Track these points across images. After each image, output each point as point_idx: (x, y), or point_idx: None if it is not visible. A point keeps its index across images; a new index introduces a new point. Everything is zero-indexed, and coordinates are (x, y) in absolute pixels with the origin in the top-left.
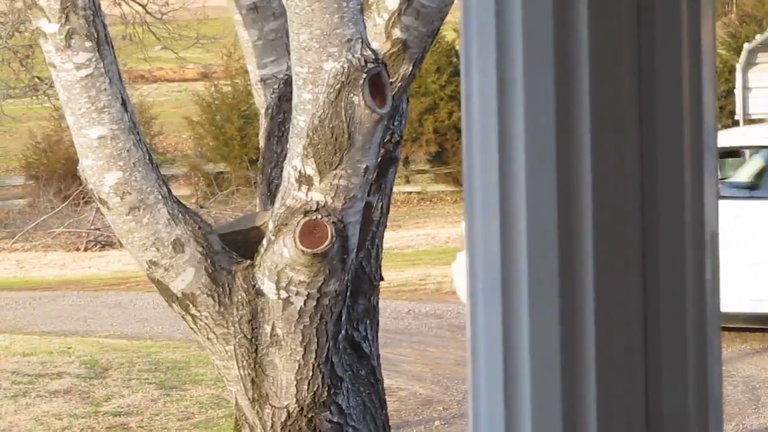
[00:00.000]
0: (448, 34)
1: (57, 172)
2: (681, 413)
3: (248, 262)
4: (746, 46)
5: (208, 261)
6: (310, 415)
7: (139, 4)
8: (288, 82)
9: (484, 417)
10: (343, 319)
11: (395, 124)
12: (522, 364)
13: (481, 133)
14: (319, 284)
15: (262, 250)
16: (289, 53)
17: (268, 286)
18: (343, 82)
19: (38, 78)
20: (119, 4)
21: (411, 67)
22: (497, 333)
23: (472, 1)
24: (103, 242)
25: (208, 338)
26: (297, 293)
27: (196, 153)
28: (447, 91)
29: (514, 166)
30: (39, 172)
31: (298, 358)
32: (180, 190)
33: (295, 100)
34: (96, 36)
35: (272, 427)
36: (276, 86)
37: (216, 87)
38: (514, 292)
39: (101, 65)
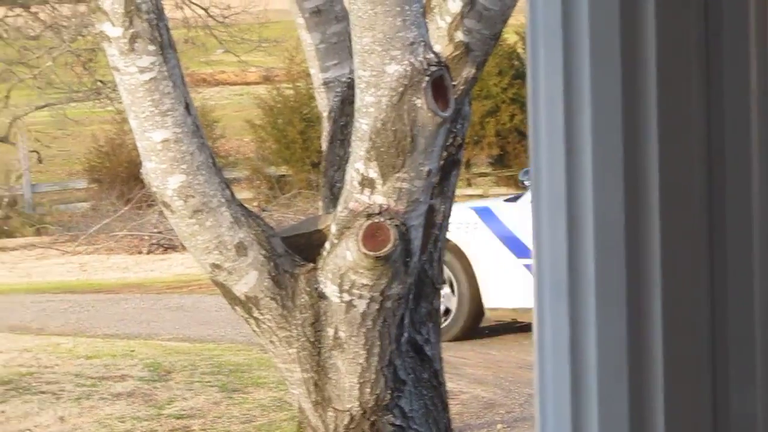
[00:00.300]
0: (509, 36)
1: (119, 176)
2: (749, 414)
3: (311, 265)
4: None
5: (271, 264)
6: (372, 419)
7: (201, 8)
8: (350, 86)
9: (551, 420)
10: (406, 322)
11: (458, 127)
12: (589, 367)
13: (547, 137)
14: (382, 287)
15: (324, 253)
16: (351, 56)
17: (330, 289)
18: (405, 85)
19: (101, 82)
20: (181, 8)
21: (473, 70)
22: (564, 336)
23: (539, 3)
24: (165, 245)
25: (270, 341)
26: (360, 296)
27: (258, 156)
28: (509, 94)
29: (581, 169)
30: (102, 176)
31: (360, 361)
32: (242, 194)
33: (357, 103)
34: (159, 39)
35: (335, 430)
36: (338, 89)
37: (278, 90)
38: (582, 295)
39: (164, 69)
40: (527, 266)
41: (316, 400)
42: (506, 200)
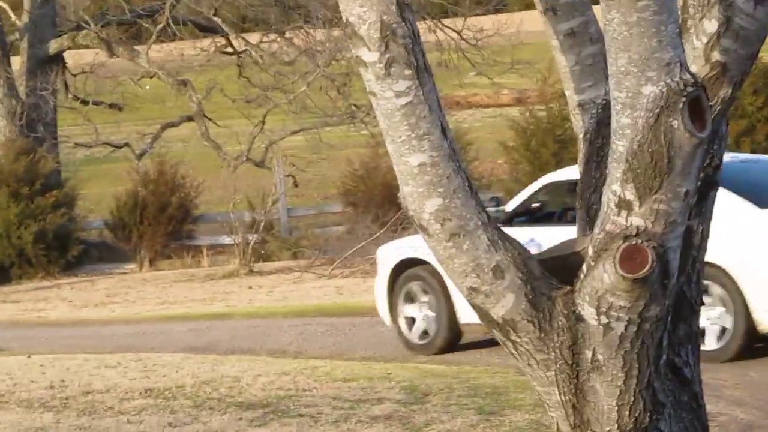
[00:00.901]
0: (765, 55)
1: (374, 199)
2: None
3: (568, 287)
4: None
5: (528, 287)
6: None
7: (455, 31)
8: (606, 107)
9: None
10: (665, 344)
11: (715, 147)
12: None
13: None
14: (640, 309)
15: (581, 276)
16: (606, 78)
17: (588, 312)
18: (662, 106)
19: (355, 106)
20: (434, 31)
21: (730, 90)
22: None
23: None
24: None
25: (528, 364)
26: (617, 318)
27: (512, 178)
28: (764, 113)
29: None
30: (357, 199)
31: (619, 384)
32: None
33: (613, 125)
34: (415, 63)
35: None
36: (594, 111)
37: (531, 112)
38: None
39: (420, 93)
40: None
41: (575, 423)
42: None
